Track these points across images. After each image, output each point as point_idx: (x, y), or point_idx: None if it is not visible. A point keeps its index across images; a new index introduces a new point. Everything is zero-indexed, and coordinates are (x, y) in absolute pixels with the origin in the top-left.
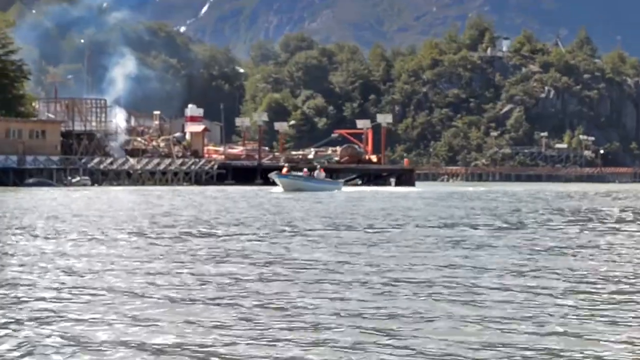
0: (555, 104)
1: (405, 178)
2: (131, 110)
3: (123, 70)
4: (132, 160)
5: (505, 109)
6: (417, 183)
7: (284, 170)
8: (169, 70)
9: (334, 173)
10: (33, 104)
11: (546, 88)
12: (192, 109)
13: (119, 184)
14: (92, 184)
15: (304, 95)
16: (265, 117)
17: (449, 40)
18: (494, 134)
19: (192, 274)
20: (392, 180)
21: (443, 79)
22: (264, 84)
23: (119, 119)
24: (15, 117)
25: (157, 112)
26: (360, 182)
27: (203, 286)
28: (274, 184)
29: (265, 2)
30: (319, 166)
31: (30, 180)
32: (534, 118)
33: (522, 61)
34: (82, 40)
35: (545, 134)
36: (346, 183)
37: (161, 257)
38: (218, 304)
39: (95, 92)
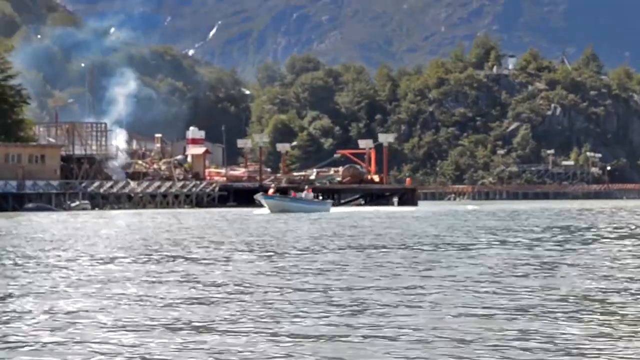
0: (561, 121)
1: (408, 197)
2: (133, 133)
3: (125, 91)
4: (132, 184)
5: (512, 126)
6: (422, 202)
7: (270, 191)
8: (175, 93)
9: (335, 193)
10: (33, 129)
11: (552, 105)
12: (193, 132)
13: (119, 208)
14: (93, 208)
15: (310, 116)
16: (266, 139)
17: (454, 59)
18: (501, 152)
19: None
20: (395, 200)
21: (449, 97)
22: (270, 106)
23: (119, 141)
24: (14, 142)
25: (158, 135)
26: (363, 202)
27: None
28: (260, 205)
29: (273, 24)
30: (306, 187)
31: (30, 205)
32: (541, 135)
33: (529, 79)
34: (83, 64)
35: (552, 151)
36: (349, 203)
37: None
38: None
39: (97, 115)
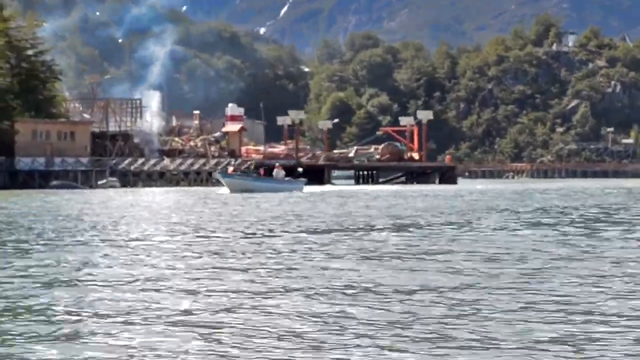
0: (621, 98)
1: (448, 175)
2: (174, 111)
3: (160, 67)
4: (165, 161)
5: (571, 104)
6: (480, 180)
7: (230, 169)
8: (233, 70)
9: (373, 171)
10: (64, 105)
11: (612, 83)
12: (232, 108)
13: (150, 185)
14: (123, 186)
15: (368, 93)
16: (302, 115)
17: (514, 36)
18: (560, 129)
19: None
20: (436, 178)
21: (508, 75)
22: (329, 83)
23: (153, 106)
24: (45, 118)
25: (196, 112)
26: (404, 180)
27: None
28: (219, 184)
29: (344, 2)
30: (277, 164)
31: (54, 183)
32: (600, 113)
33: (589, 56)
34: (120, 40)
35: (611, 129)
36: (390, 182)
37: None
38: None
39: (134, 84)
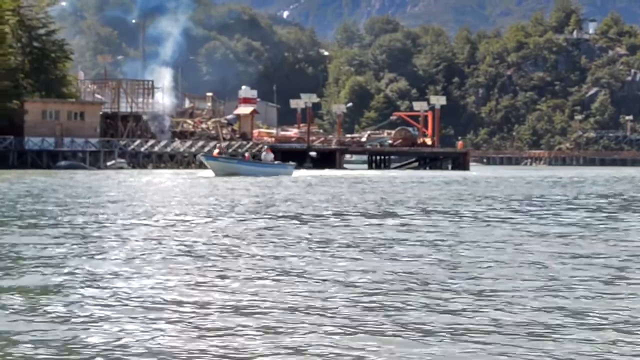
0: None
1: (460, 161)
2: (188, 93)
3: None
4: (175, 142)
5: (591, 92)
6: (497, 167)
7: (216, 152)
8: (252, 53)
9: (385, 155)
10: (75, 85)
11: (632, 71)
12: (245, 91)
13: (160, 167)
14: (133, 167)
15: (387, 78)
16: (315, 99)
17: (534, 23)
18: (579, 117)
19: None
20: (449, 164)
21: (528, 61)
22: (348, 67)
23: (166, 96)
24: (55, 98)
25: (209, 94)
26: (417, 165)
27: None
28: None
29: None
30: (265, 147)
31: (62, 163)
32: (620, 101)
33: (609, 43)
34: (134, 20)
35: (630, 117)
36: (403, 167)
37: None
38: None
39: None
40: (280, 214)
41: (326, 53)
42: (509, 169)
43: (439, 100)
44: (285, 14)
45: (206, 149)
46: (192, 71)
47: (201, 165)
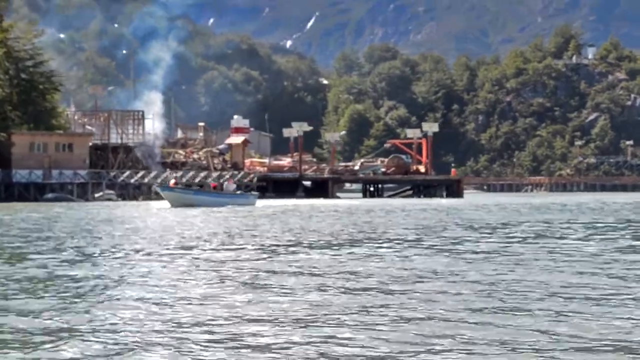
0: None
1: (454, 189)
2: (180, 124)
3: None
4: (166, 173)
5: (591, 117)
6: (497, 194)
7: (172, 182)
8: (250, 82)
9: (378, 184)
10: (64, 117)
11: (632, 96)
12: (237, 120)
13: (151, 199)
14: (123, 199)
15: (386, 106)
16: (306, 127)
17: (533, 49)
18: (579, 143)
19: None
20: (443, 191)
21: (527, 87)
22: (347, 95)
23: (156, 121)
24: (44, 130)
25: (201, 124)
26: (411, 193)
27: None
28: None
29: (371, 14)
30: (227, 176)
31: (49, 196)
32: (620, 126)
33: (609, 68)
34: (125, 51)
35: (631, 142)
36: (397, 195)
37: None
38: None
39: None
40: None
41: (325, 82)
42: (506, 195)
43: (432, 127)
44: (289, 43)
45: (197, 180)
46: (190, 101)
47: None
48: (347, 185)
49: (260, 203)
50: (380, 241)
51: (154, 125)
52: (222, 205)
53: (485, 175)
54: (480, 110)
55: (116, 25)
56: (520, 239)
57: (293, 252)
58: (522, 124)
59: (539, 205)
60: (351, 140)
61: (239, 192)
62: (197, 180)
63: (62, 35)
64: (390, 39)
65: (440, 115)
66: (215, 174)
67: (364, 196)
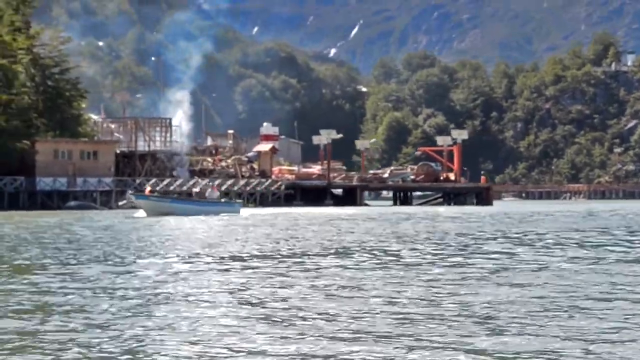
0: None
1: (483, 196)
2: (210, 131)
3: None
4: (192, 181)
5: (630, 124)
6: (534, 202)
7: (147, 189)
8: (289, 90)
9: (407, 192)
10: (89, 124)
11: None
12: (267, 128)
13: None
14: None
15: (424, 113)
16: (334, 135)
17: (572, 56)
18: (618, 150)
19: None
20: (473, 199)
21: (566, 94)
22: (385, 103)
23: (183, 133)
24: (70, 137)
25: (231, 132)
26: (441, 201)
27: None
28: (128, 205)
29: (415, 22)
30: (211, 184)
31: (72, 204)
32: None
33: None
34: (153, 58)
35: None
36: (428, 203)
37: None
38: None
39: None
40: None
41: (364, 89)
42: (541, 203)
43: (461, 135)
44: (333, 51)
45: (223, 187)
46: (227, 109)
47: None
48: (384, 193)
49: (246, 212)
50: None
51: (181, 130)
52: (204, 214)
53: (523, 183)
54: (519, 117)
55: (155, 32)
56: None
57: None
58: (560, 132)
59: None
60: (389, 148)
61: (223, 200)
62: (223, 188)
63: (100, 43)
64: (434, 47)
65: (479, 123)
66: (242, 182)
67: (394, 204)
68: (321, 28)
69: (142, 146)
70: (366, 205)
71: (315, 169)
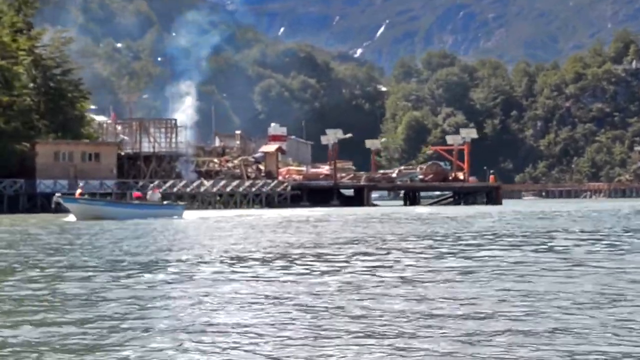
0: None
1: (493, 196)
2: (218, 132)
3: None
4: (196, 182)
5: None
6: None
7: (77, 192)
8: (308, 91)
9: (416, 191)
10: (92, 125)
11: None
12: (274, 128)
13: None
14: None
15: (444, 112)
16: (340, 134)
17: (593, 54)
18: (638, 148)
19: None
20: (483, 198)
21: (586, 93)
22: (405, 102)
23: (188, 109)
24: (72, 139)
25: (238, 132)
26: (451, 200)
27: None
28: (57, 208)
29: (440, 22)
30: (151, 186)
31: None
32: None
33: None
34: (160, 58)
35: None
36: (439, 203)
37: None
38: None
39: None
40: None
41: (384, 89)
42: (558, 202)
43: (470, 134)
44: (359, 51)
45: (228, 189)
46: (246, 108)
47: (231, 205)
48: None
49: (191, 215)
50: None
51: (186, 131)
52: (141, 218)
53: (543, 182)
54: (539, 116)
55: (173, 33)
56: None
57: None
58: (581, 130)
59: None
60: (408, 147)
61: (165, 202)
62: (228, 189)
63: (119, 45)
64: (460, 46)
65: (499, 122)
66: (247, 183)
67: (405, 204)
68: (347, 28)
69: (147, 147)
70: (374, 205)
71: (324, 169)
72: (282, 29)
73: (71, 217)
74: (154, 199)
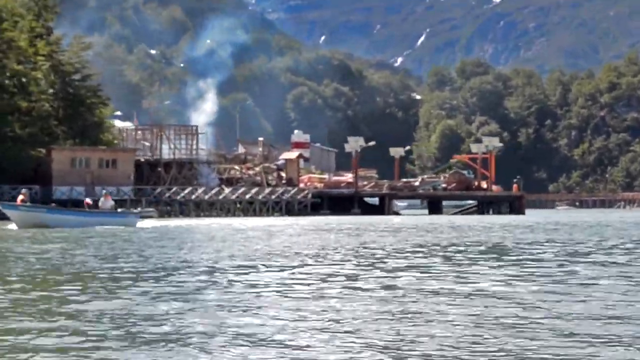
0: None
1: (516, 205)
2: (240, 139)
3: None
4: (215, 190)
5: None
6: (586, 210)
7: (19, 198)
8: (341, 99)
9: (438, 200)
10: (112, 131)
11: None
12: (297, 135)
13: (199, 216)
14: (169, 216)
15: (478, 121)
16: (362, 142)
17: (628, 63)
18: None
19: None
20: (507, 208)
21: (621, 102)
22: (438, 111)
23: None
24: (91, 145)
25: (261, 139)
26: (475, 209)
27: None
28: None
29: (481, 31)
30: (104, 192)
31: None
32: None
33: None
34: (181, 65)
35: None
36: (463, 212)
37: None
38: None
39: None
40: None
41: (418, 97)
42: (586, 212)
43: (492, 142)
44: (399, 60)
45: (247, 196)
46: (279, 116)
47: (251, 213)
48: None
49: (147, 223)
50: None
51: (207, 137)
52: (88, 226)
53: (577, 192)
54: (573, 125)
55: (208, 41)
56: None
57: None
58: (615, 139)
59: None
60: (442, 155)
61: (120, 210)
62: (247, 196)
63: (152, 51)
64: (501, 55)
65: (533, 131)
66: (267, 190)
67: (430, 213)
68: (388, 37)
69: (167, 153)
70: (396, 214)
71: (346, 177)
72: (322, 37)
73: (12, 225)
74: (106, 206)
